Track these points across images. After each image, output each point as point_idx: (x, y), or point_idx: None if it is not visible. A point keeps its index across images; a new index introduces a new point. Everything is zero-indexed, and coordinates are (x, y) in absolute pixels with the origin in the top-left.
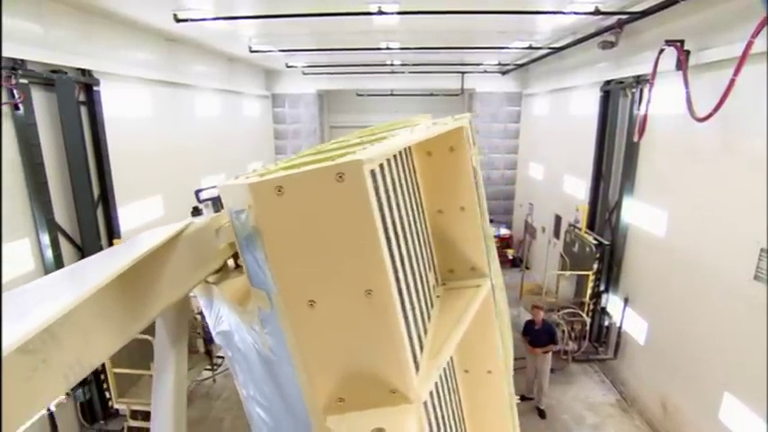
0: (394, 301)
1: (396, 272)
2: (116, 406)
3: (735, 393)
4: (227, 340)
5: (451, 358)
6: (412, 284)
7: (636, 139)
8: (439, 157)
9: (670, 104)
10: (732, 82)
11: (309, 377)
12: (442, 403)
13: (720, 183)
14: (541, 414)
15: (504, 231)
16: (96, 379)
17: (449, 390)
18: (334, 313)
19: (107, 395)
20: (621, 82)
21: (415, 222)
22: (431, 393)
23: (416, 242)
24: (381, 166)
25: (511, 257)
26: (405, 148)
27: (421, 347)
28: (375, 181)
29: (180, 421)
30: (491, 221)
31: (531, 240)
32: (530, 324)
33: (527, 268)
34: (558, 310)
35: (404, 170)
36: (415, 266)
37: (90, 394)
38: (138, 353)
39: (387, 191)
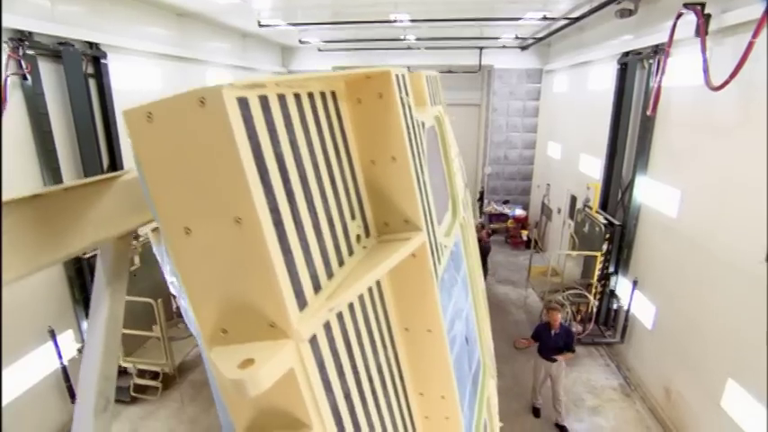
0: (264, 230)
1: (274, 203)
2: (123, 365)
3: (738, 380)
4: (175, 288)
5: (390, 316)
6: (310, 223)
7: (649, 112)
8: (369, 105)
9: (687, 75)
10: (750, 45)
11: (194, 307)
12: (366, 354)
13: (736, 158)
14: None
15: (519, 212)
16: None
17: (381, 344)
18: (208, 241)
19: None
20: (639, 53)
21: (331, 166)
22: (343, 340)
23: (329, 185)
24: (265, 98)
25: (525, 239)
26: (328, 92)
27: (317, 288)
28: (248, 110)
29: (110, 358)
30: (506, 202)
31: (546, 222)
32: (544, 327)
33: (541, 250)
34: (564, 291)
35: (318, 112)
36: (320, 207)
37: None
38: (145, 315)
39: (274, 123)
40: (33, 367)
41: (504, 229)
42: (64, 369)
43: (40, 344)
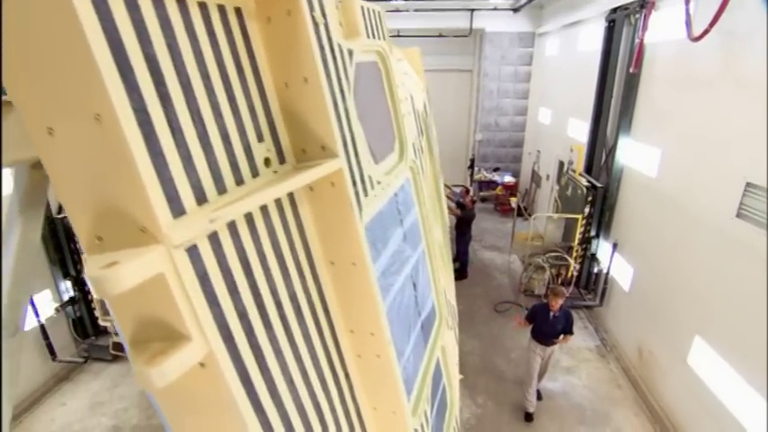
0: (123, 127)
1: (141, 103)
2: (103, 323)
3: (704, 337)
4: None
5: (312, 248)
6: (193, 133)
7: (632, 69)
8: (279, 24)
9: (672, 30)
10: None
11: (69, 214)
12: (274, 279)
13: (713, 112)
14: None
15: (508, 179)
16: (85, 299)
17: (298, 274)
18: (71, 141)
19: (95, 314)
20: (627, 8)
21: (230, 83)
22: (240, 259)
23: (225, 101)
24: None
25: (515, 206)
26: (230, 7)
27: (201, 200)
28: (105, 3)
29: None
30: (497, 169)
31: (535, 189)
32: (542, 309)
33: (529, 215)
34: (545, 254)
35: (213, 24)
36: (210, 120)
37: (80, 312)
38: None
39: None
40: None
41: (494, 197)
42: (42, 327)
43: None
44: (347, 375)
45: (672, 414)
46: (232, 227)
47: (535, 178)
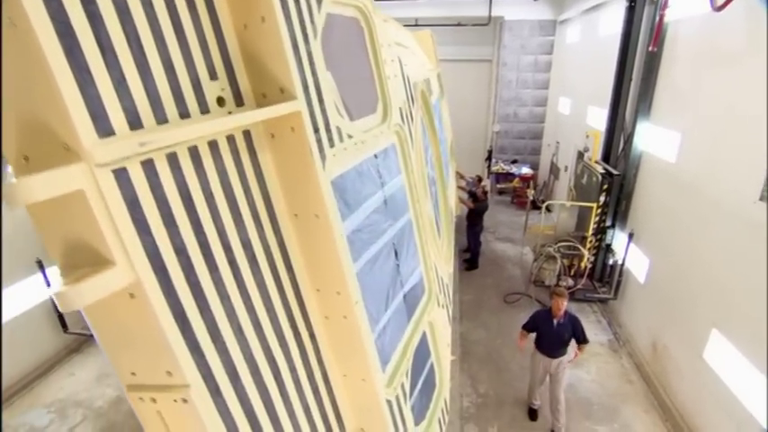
0: (38, 35)
1: (64, 16)
2: None
3: (722, 330)
4: None
5: (274, 198)
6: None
7: (651, 47)
8: None
9: (695, 5)
10: None
11: None
12: (223, 221)
13: (736, 90)
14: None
15: (525, 170)
16: None
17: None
18: None
19: None
20: None
21: (178, 17)
22: (180, 192)
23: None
24: None
25: (531, 198)
26: None
27: (135, 125)
28: None
29: None
30: (514, 162)
31: (553, 181)
32: (544, 316)
33: (548, 210)
34: (556, 243)
35: None
36: (151, 48)
37: None
38: None
39: None
40: (24, 296)
41: (512, 190)
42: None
43: (29, 275)
44: (312, 336)
45: (685, 412)
46: (173, 158)
47: (554, 170)
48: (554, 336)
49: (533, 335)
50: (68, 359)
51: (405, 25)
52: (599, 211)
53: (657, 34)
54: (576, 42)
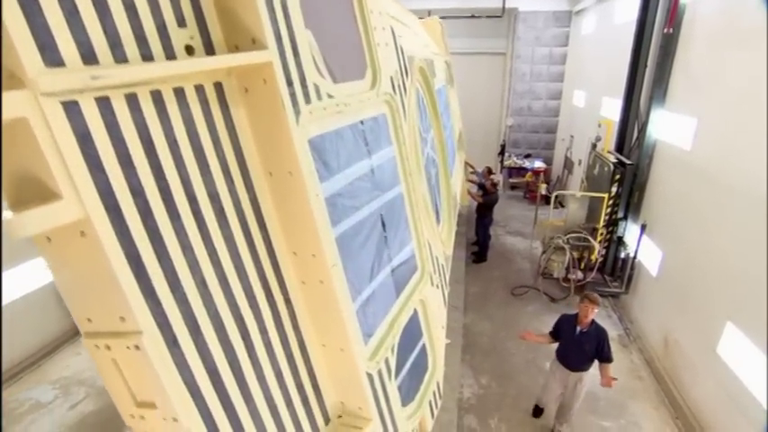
0: None
1: None
2: None
3: (737, 323)
4: None
5: (247, 155)
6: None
7: (666, 29)
8: None
9: None
10: None
11: None
12: (188, 171)
13: (756, 71)
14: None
15: (538, 164)
16: None
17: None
18: None
19: None
20: None
21: None
22: (140, 135)
23: None
24: None
25: (544, 192)
26: None
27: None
28: None
29: None
30: (528, 156)
31: (567, 175)
32: (568, 321)
33: (560, 205)
34: (565, 234)
35: None
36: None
37: None
38: None
39: None
40: (31, 276)
41: (525, 184)
42: None
43: (36, 255)
44: (288, 301)
45: (697, 409)
46: (132, 99)
47: (567, 165)
48: (575, 344)
49: (540, 337)
50: (75, 339)
51: (419, 18)
52: (610, 202)
53: (674, 13)
54: (592, 33)
